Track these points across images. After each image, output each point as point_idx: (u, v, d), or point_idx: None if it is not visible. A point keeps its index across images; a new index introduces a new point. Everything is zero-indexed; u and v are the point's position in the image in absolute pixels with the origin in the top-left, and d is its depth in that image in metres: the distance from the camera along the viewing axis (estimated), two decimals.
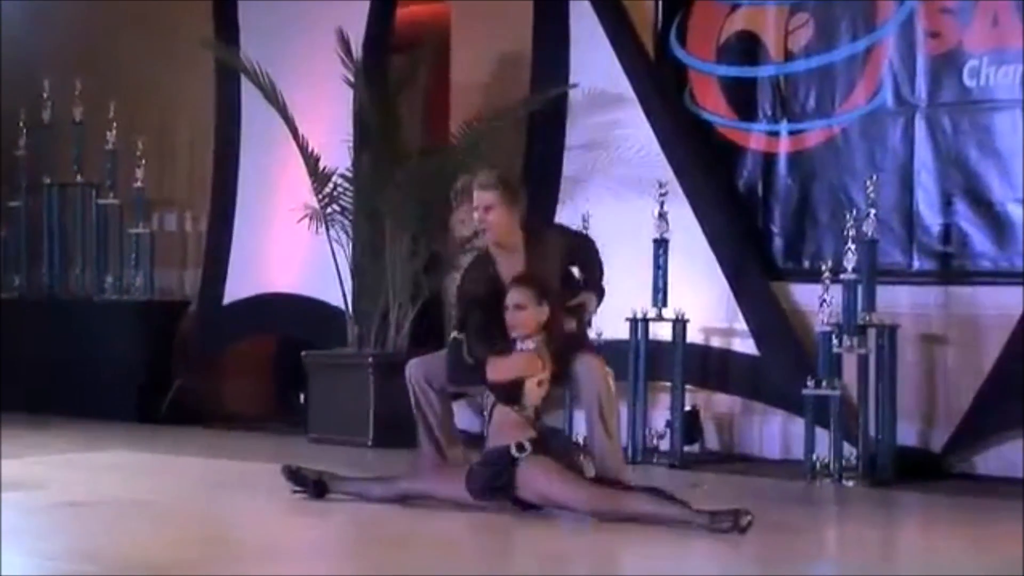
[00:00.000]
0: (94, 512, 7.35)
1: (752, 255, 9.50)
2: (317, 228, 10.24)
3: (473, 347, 7.34)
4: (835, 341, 8.61)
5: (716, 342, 9.47)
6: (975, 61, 8.85)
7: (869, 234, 8.61)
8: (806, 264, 9.35)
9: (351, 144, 10.26)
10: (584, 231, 9.11)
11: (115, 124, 11.62)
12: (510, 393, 7.19)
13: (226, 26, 11.31)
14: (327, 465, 7.82)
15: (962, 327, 8.87)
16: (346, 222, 10.21)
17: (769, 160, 9.58)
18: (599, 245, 7.96)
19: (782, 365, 9.12)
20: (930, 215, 9.01)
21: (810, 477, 8.59)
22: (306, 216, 10.25)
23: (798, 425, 8.91)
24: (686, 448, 9.23)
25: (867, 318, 8.62)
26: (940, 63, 8.97)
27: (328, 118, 10.39)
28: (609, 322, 8.85)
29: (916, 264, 9.05)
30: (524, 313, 7.23)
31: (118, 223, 11.75)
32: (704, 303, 9.39)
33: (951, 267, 8.96)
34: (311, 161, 10.21)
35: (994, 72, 8.78)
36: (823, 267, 8.75)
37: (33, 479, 8.15)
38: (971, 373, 8.72)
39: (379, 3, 10.64)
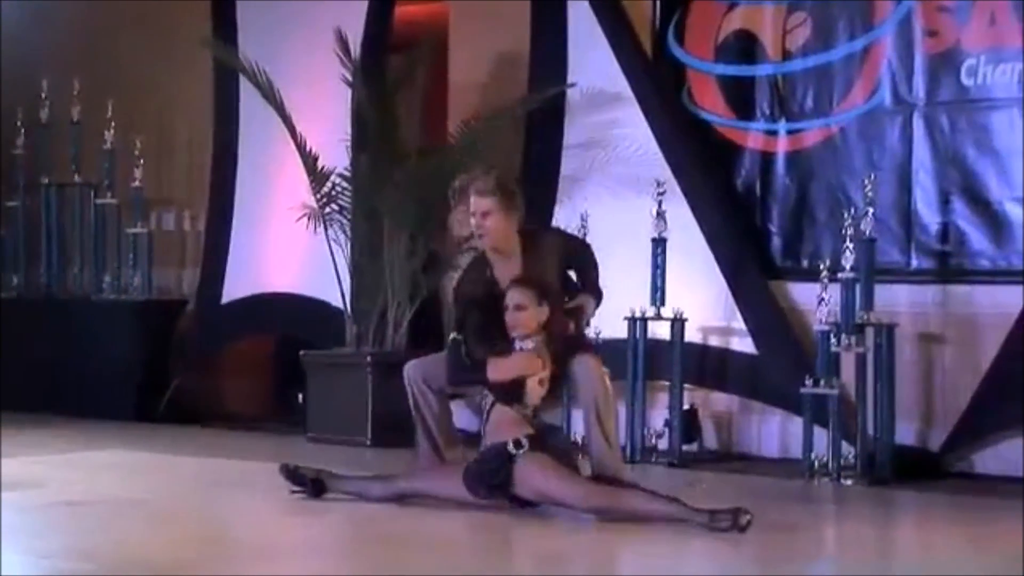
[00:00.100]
0: (92, 511, 7.34)
1: (750, 254, 9.49)
2: (315, 227, 10.24)
3: (472, 348, 7.34)
4: (833, 340, 8.61)
5: (714, 341, 9.47)
6: (973, 60, 8.84)
7: (867, 233, 8.61)
8: (804, 263, 9.34)
9: (349, 143, 10.26)
10: (582, 231, 9.13)
11: (113, 123, 11.60)
12: (511, 393, 7.19)
13: (224, 25, 11.31)
14: (325, 464, 7.80)
15: (960, 326, 8.87)
16: (344, 221, 10.21)
17: (767, 159, 9.57)
18: (598, 244, 7.95)
19: (780, 364, 9.11)
20: (928, 214, 9.00)
21: (808, 476, 8.59)
22: (304, 215, 10.25)
23: (796, 424, 8.91)
24: (684, 447, 9.23)
25: (865, 317, 8.62)
26: (938, 62, 8.96)
27: (326, 117, 10.39)
28: (607, 321, 8.84)
29: (914, 263, 9.05)
30: (524, 313, 7.23)
31: (116, 222, 11.73)
32: (702, 302, 9.39)
33: (949, 266, 8.95)
34: (309, 160, 10.21)
35: (992, 71, 8.78)
36: (821, 266, 8.75)
37: (31, 478, 8.14)
38: (969, 372, 8.71)
39: (377, 3, 10.64)
